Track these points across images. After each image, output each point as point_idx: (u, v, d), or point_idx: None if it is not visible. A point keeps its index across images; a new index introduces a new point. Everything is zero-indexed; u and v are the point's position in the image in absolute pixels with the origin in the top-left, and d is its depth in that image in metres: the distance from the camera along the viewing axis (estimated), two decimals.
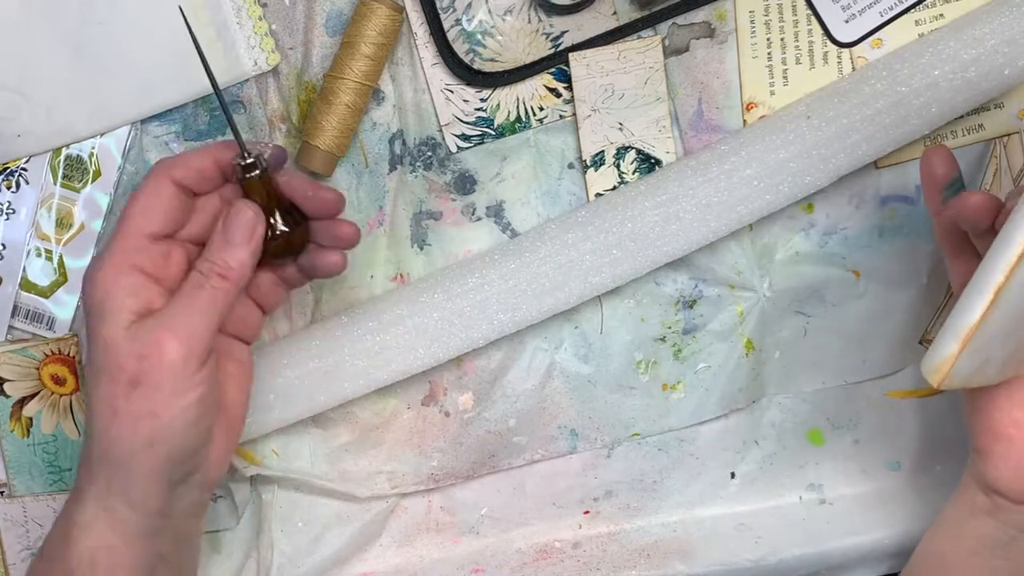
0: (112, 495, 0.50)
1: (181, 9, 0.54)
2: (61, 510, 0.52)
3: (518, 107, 0.61)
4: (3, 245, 0.61)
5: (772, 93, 0.61)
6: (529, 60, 0.61)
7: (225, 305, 0.51)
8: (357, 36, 0.58)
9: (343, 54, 0.59)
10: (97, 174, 0.61)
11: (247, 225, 0.52)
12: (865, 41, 0.61)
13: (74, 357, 0.62)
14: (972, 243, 0.55)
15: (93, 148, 0.60)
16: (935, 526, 0.58)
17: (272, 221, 0.53)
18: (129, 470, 0.50)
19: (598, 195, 0.62)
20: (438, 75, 0.61)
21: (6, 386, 0.62)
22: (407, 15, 0.60)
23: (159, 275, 0.51)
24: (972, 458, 0.55)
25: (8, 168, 0.60)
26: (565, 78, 0.61)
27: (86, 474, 0.51)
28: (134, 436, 0.49)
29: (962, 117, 0.61)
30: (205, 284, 0.51)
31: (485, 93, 0.61)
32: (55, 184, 0.61)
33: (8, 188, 0.60)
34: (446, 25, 0.60)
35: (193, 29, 0.53)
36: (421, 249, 0.63)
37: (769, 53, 0.61)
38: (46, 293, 0.62)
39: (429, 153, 0.62)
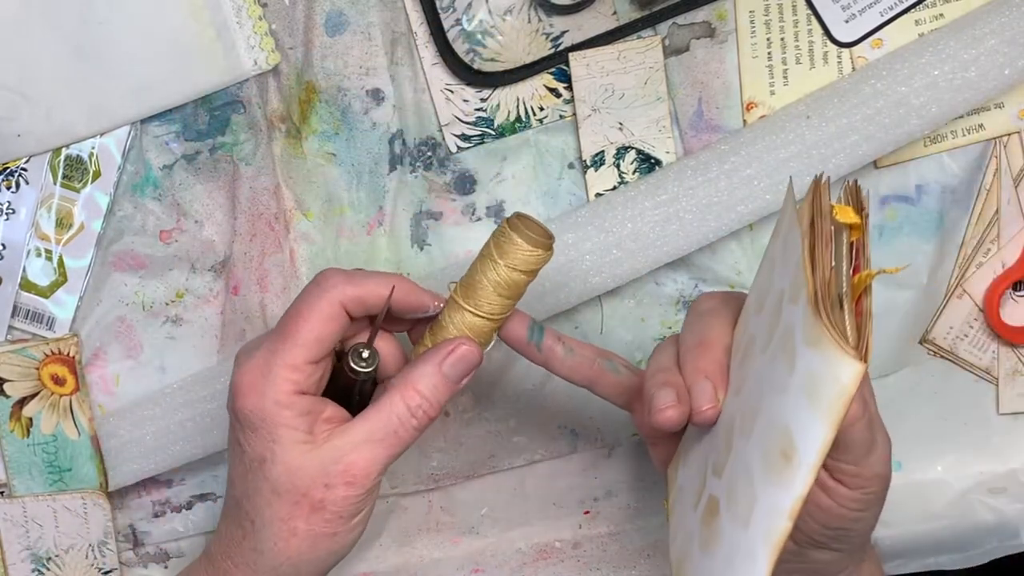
0: None
1: None
2: None
3: (518, 107, 0.61)
4: (3, 245, 0.61)
5: (772, 93, 0.61)
6: (529, 60, 0.61)
7: (416, 439, 0.51)
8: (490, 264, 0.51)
9: (470, 271, 0.51)
10: (97, 174, 0.61)
11: (469, 364, 0.51)
12: (865, 41, 0.61)
13: (74, 357, 0.62)
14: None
15: (93, 148, 0.60)
16: None
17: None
18: None
19: (598, 195, 0.62)
20: (438, 75, 0.61)
21: (6, 386, 0.62)
22: (407, 14, 0.60)
23: (316, 388, 0.51)
24: None
25: (8, 168, 0.60)
26: (565, 78, 0.61)
27: None
28: (313, 553, 0.50)
29: (962, 117, 0.61)
30: (411, 422, 0.50)
31: (485, 93, 0.61)
32: (55, 184, 0.61)
33: (8, 188, 0.60)
34: (446, 25, 0.60)
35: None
36: (421, 249, 0.63)
37: (769, 53, 0.61)
38: (46, 293, 0.62)
39: (429, 153, 0.62)
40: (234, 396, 0.50)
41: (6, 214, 0.61)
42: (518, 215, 0.50)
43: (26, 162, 0.60)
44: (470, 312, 0.51)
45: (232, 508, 0.52)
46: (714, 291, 0.51)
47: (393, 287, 0.51)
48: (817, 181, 0.44)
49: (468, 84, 0.61)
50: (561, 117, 0.62)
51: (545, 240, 0.50)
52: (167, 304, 0.62)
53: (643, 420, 0.50)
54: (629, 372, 0.53)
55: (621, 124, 0.61)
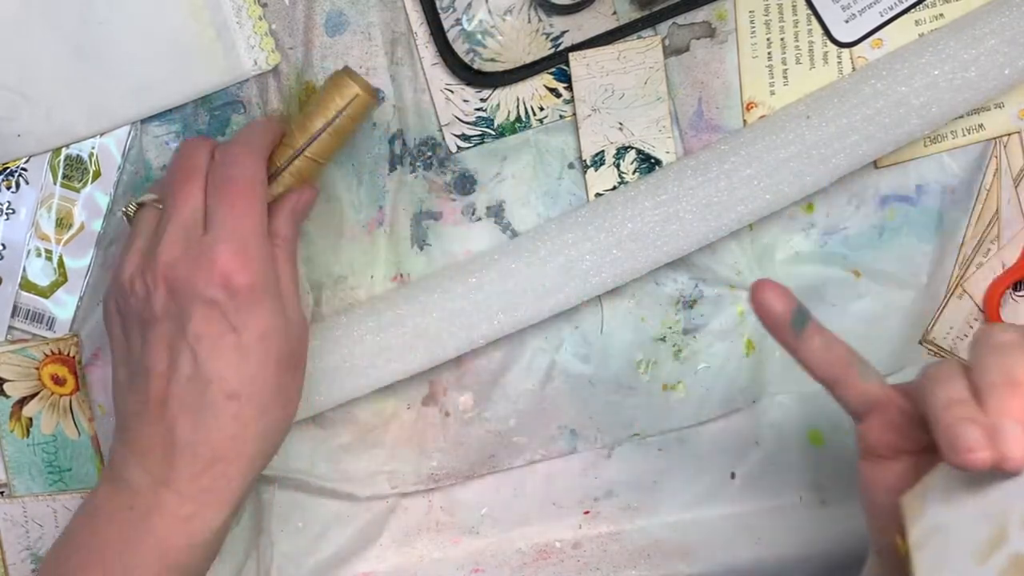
0: (222, 500, 0.50)
1: None
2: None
3: (518, 107, 0.61)
4: (3, 245, 0.61)
5: (772, 93, 0.61)
6: (529, 60, 0.61)
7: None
8: (319, 108, 0.56)
9: (302, 121, 0.56)
10: (97, 174, 0.61)
11: (311, 204, 0.57)
12: (865, 41, 0.61)
13: (74, 357, 0.62)
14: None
15: (93, 148, 0.60)
16: None
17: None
18: (262, 463, 0.52)
19: (598, 195, 0.62)
20: (438, 75, 0.61)
21: (6, 386, 0.62)
22: (407, 14, 0.60)
23: None
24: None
25: (8, 168, 0.60)
26: (565, 78, 0.61)
27: (174, 486, 0.50)
28: (293, 416, 0.52)
29: (962, 117, 0.61)
30: (293, 259, 0.55)
31: (485, 93, 0.61)
32: (55, 184, 0.61)
33: (8, 188, 0.60)
34: (446, 25, 0.60)
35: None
36: (421, 249, 0.63)
37: (769, 53, 0.61)
38: (46, 293, 0.62)
39: (429, 153, 0.62)
40: (229, 275, 0.49)
41: (6, 214, 0.61)
42: (345, 69, 0.56)
43: (26, 162, 0.60)
44: (310, 159, 0.56)
45: (219, 406, 0.49)
46: (1009, 323, 0.48)
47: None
48: None
49: (468, 84, 0.61)
50: (561, 117, 0.62)
51: (372, 88, 0.57)
52: None
53: (872, 433, 0.48)
54: (879, 382, 0.50)
55: (621, 124, 0.61)
